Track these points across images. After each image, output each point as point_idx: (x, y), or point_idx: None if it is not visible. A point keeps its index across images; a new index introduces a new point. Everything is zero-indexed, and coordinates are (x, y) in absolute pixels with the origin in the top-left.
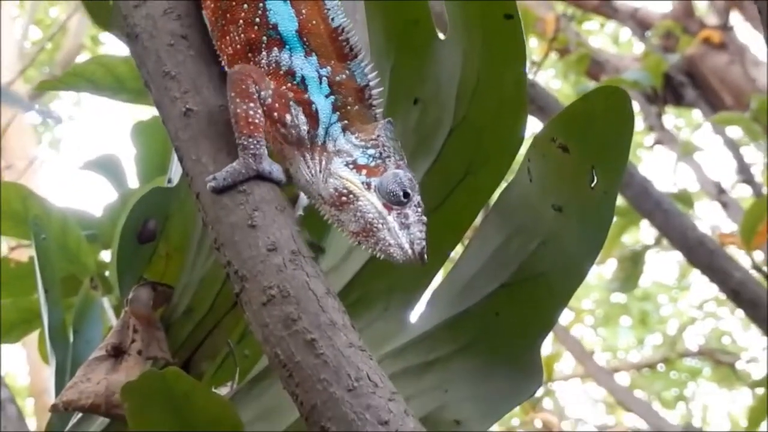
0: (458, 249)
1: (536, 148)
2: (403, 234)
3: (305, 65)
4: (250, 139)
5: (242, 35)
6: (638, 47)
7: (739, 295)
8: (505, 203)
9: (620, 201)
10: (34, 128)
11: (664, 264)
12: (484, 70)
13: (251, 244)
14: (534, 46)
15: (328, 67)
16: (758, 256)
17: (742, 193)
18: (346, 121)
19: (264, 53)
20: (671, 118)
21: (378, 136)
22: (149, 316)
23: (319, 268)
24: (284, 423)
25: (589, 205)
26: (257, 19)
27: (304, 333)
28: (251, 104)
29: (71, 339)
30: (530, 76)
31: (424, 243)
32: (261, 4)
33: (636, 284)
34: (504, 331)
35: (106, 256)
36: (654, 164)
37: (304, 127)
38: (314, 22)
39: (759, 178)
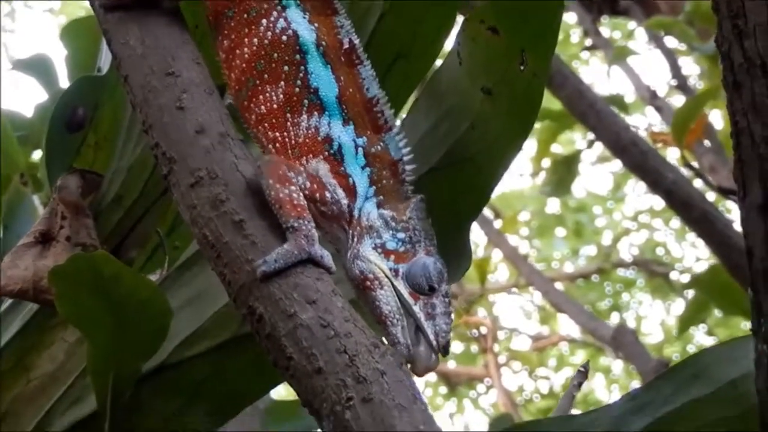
0: None
1: (466, 31)
2: (428, 325)
3: (343, 134)
4: (300, 221)
5: (281, 96)
6: None
7: (672, 196)
8: (434, 87)
9: (554, 104)
10: None
11: (598, 175)
12: None
13: (179, 125)
14: None
15: (365, 138)
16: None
17: (677, 102)
18: (381, 197)
19: (305, 116)
20: (607, 30)
21: (410, 218)
22: (78, 203)
23: (247, 151)
24: (213, 308)
25: (518, 88)
26: (299, 81)
27: (232, 214)
28: (292, 187)
29: (1, 234)
30: None
31: (449, 337)
32: (303, 67)
33: (569, 189)
34: (432, 215)
35: (37, 157)
36: (590, 75)
37: (344, 201)
38: (351, 90)
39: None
